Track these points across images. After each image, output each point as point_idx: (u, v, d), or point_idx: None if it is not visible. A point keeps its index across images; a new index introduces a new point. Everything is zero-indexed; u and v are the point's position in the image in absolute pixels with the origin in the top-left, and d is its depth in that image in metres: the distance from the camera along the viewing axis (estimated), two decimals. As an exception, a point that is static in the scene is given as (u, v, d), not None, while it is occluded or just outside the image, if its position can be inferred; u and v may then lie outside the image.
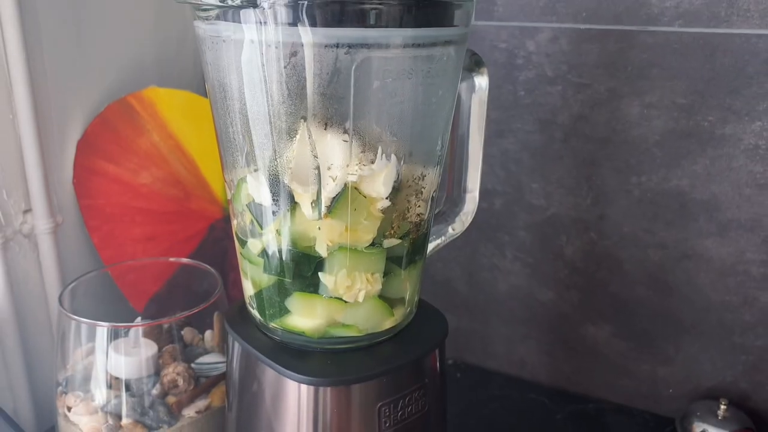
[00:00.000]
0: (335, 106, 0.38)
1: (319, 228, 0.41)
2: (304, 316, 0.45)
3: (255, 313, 0.48)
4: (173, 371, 0.58)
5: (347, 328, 0.45)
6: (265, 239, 0.43)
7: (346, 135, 0.39)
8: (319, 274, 0.43)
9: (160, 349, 0.60)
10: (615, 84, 0.68)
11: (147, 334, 0.59)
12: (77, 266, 0.71)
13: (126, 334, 0.58)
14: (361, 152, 0.39)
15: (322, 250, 0.42)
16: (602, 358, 0.78)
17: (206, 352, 0.63)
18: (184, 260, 0.67)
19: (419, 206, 0.43)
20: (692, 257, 0.70)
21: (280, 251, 0.43)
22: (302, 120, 0.38)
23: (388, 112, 0.39)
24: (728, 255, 0.68)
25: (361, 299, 0.43)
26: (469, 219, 0.53)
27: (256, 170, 0.41)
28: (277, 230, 0.42)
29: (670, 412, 0.75)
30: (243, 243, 0.46)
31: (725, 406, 0.67)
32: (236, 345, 0.47)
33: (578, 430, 0.74)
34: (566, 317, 0.79)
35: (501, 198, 0.78)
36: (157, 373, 0.59)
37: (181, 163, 0.74)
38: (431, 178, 0.44)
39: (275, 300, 0.45)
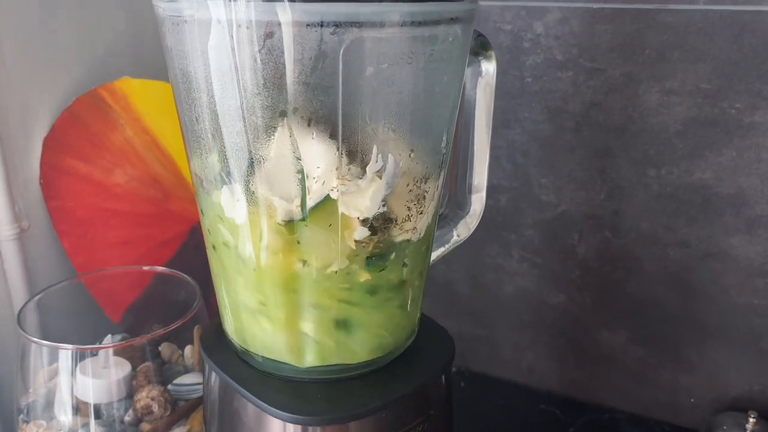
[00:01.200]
0: (321, 97, 0.32)
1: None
2: (288, 342, 0.39)
3: (232, 336, 0.42)
4: (147, 395, 0.52)
5: (339, 354, 0.39)
6: (240, 251, 0.37)
7: (335, 132, 0.32)
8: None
9: (134, 368, 0.55)
10: (631, 68, 0.63)
11: (119, 352, 0.54)
12: (46, 275, 0.67)
13: (95, 352, 0.52)
14: (352, 153, 0.33)
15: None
16: (618, 365, 0.73)
17: (186, 370, 0.58)
18: (159, 269, 0.63)
19: (421, 214, 0.37)
20: (717, 256, 0.65)
21: (257, 268, 0.37)
22: (281, 115, 0.32)
23: (384, 103, 0.33)
24: (756, 254, 0.63)
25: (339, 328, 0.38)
26: (476, 223, 0.47)
27: (228, 174, 0.35)
28: (253, 248, 0.36)
29: (692, 423, 0.70)
30: (215, 255, 0.40)
31: (754, 419, 0.62)
32: (213, 374, 0.41)
33: (592, 443, 0.70)
34: (578, 321, 0.74)
35: (507, 194, 0.73)
36: (130, 396, 0.54)
37: (158, 160, 0.69)
38: (434, 180, 0.38)
39: (254, 322, 0.39)
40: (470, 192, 0.46)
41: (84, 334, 0.66)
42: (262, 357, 0.40)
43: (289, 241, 0.35)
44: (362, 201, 0.34)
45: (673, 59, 0.61)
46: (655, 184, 0.65)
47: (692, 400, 0.71)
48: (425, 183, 0.37)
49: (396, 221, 0.36)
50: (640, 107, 0.64)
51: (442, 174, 0.39)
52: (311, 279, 0.37)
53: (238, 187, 0.35)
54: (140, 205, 0.68)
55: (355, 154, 0.33)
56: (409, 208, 0.36)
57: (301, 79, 0.31)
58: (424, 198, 0.37)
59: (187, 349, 0.59)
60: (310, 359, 0.39)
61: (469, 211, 0.46)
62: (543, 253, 0.73)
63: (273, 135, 0.33)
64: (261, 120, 0.32)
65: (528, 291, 0.75)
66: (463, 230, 0.47)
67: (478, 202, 0.46)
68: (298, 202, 0.34)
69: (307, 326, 0.38)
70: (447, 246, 0.46)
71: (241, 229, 0.36)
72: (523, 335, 0.78)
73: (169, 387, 0.55)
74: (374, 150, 0.33)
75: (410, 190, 0.36)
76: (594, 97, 0.65)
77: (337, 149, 0.33)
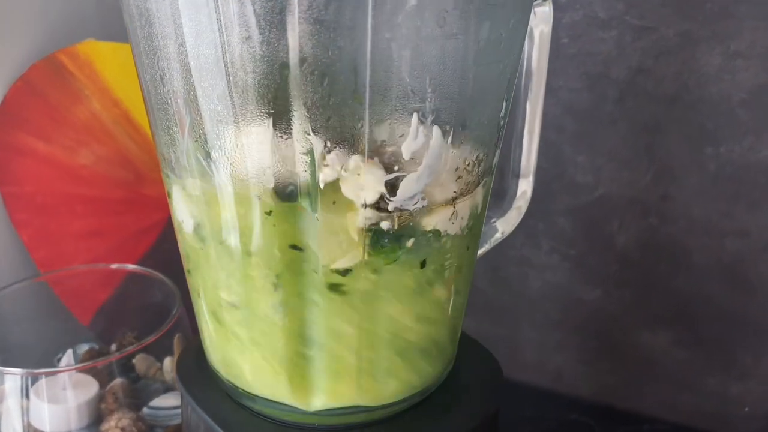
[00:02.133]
0: (339, 43, 0.22)
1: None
2: (291, 376, 0.30)
3: (217, 368, 0.32)
4: (116, 425, 0.44)
5: (357, 393, 0.30)
6: (225, 254, 0.28)
7: (359, 94, 0.23)
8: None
9: (102, 386, 0.47)
10: (689, 26, 0.55)
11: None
12: (2, 273, 0.60)
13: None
14: (382, 125, 0.24)
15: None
16: (660, 370, 0.66)
17: (165, 387, 0.50)
18: (130, 267, 0.55)
19: (470, 207, 0.28)
20: (783, 248, 0.57)
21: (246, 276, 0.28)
22: (282, 69, 0.23)
23: (429, 53, 0.23)
24: (831, 246, 0.55)
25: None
26: (522, 213, 0.39)
27: (207, 155, 0.25)
28: (242, 251, 0.27)
29: (745, 435, 0.63)
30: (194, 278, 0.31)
31: (825, 435, 0.55)
32: (193, 414, 0.32)
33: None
34: (615, 321, 0.66)
35: (536, 174, 0.64)
36: (97, 422, 0.46)
37: (129, 136, 0.63)
38: (488, 163, 0.28)
39: (245, 349, 0.30)
40: (516, 176, 0.37)
41: (49, 340, 0.59)
42: (257, 396, 0.31)
43: (293, 241, 0.26)
44: (393, 190, 0.25)
45: (740, 15, 0.53)
46: (713, 164, 0.57)
47: (746, 409, 0.63)
48: (478, 167, 0.27)
49: (438, 216, 0.27)
50: (698, 73, 0.56)
51: (497, 154, 0.30)
52: (320, 289, 0.28)
53: (221, 173, 0.25)
54: (110, 189, 0.63)
55: (385, 126, 0.24)
56: (455, 200, 0.27)
57: (312, 14, 0.22)
58: (476, 186, 0.28)
59: (167, 361, 0.51)
60: (319, 400, 0.30)
61: (514, 201, 0.38)
62: (577, 243, 0.65)
63: (269, 98, 0.23)
64: (252, 77, 0.23)
65: (558, 286, 0.68)
66: (505, 224, 0.38)
67: (526, 187, 0.37)
68: (306, 192, 0.24)
69: (315, 354, 0.29)
70: (488, 244, 0.38)
71: (224, 226, 0.27)
72: (550, 336, 0.70)
73: (145, 411, 0.47)
74: (414, 120, 0.24)
75: (459, 177, 0.27)
76: (642, 61, 0.57)
77: (362, 119, 0.23)
